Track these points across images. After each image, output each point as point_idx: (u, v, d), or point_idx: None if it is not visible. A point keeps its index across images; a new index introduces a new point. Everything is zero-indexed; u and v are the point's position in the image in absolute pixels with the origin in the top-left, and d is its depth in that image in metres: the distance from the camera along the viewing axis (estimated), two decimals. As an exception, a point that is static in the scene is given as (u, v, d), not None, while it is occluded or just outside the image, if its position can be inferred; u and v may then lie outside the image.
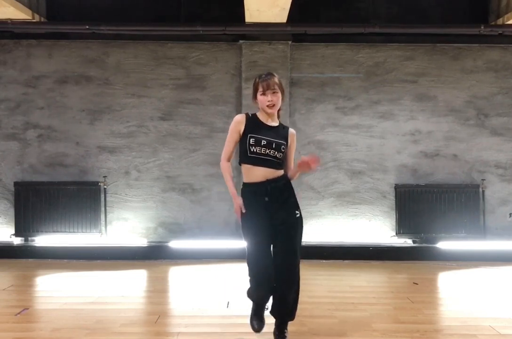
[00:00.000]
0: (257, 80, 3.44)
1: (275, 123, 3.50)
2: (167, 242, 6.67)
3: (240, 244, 6.32)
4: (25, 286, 5.27)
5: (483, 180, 6.79)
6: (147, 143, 6.81)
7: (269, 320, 3.60)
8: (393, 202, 6.76)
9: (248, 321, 3.51)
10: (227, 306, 4.42)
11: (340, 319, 4.09)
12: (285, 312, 3.51)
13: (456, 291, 5.04)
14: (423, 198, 6.64)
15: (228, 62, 6.83)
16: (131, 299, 4.72)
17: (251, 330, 3.47)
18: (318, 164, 3.38)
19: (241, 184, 3.52)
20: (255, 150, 3.37)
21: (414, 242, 6.72)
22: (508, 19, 6.28)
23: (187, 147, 6.82)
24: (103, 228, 6.71)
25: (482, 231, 6.67)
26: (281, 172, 3.46)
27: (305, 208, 6.49)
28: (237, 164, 3.59)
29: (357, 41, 6.79)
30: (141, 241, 6.75)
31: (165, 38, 6.73)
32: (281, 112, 3.56)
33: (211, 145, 6.80)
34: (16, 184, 6.64)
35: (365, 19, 6.70)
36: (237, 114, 6.70)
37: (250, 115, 3.50)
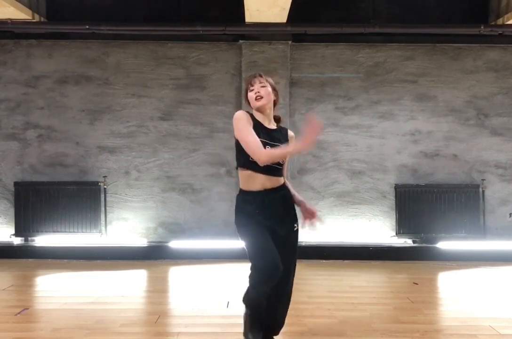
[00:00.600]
0: (246, 81, 3.28)
1: (273, 126, 3.29)
2: (167, 242, 6.67)
3: (240, 244, 6.34)
4: (25, 286, 5.27)
5: (483, 180, 6.79)
6: (147, 143, 6.82)
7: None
8: (393, 202, 6.76)
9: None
10: (227, 306, 4.42)
11: (340, 319, 4.09)
12: (272, 327, 3.35)
13: (456, 291, 5.04)
14: (423, 198, 6.64)
15: (228, 62, 6.83)
16: (131, 299, 4.72)
17: (251, 330, 3.45)
18: (318, 221, 3.25)
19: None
20: None
21: (414, 242, 6.72)
22: (508, 19, 6.27)
23: (187, 147, 6.82)
24: (103, 228, 6.71)
25: (482, 231, 6.67)
26: (281, 181, 3.24)
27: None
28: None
29: (357, 41, 6.79)
30: (141, 241, 6.75)
31: (165, 38, 6.73)
32: (279, 112, 3.41)
33: (211, 145, 6.80)
34: (16, 184, 6.64)
35: (365, 19, 6.70)
36: (237, 114, 6.79)
37: (252, 116, 3.22)
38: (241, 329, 3.33)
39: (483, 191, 6.76)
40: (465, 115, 6.86)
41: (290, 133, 3.40)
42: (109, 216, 6.77)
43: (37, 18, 6.41)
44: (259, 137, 3.10)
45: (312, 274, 5.63)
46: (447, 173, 6.84)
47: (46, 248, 6.49)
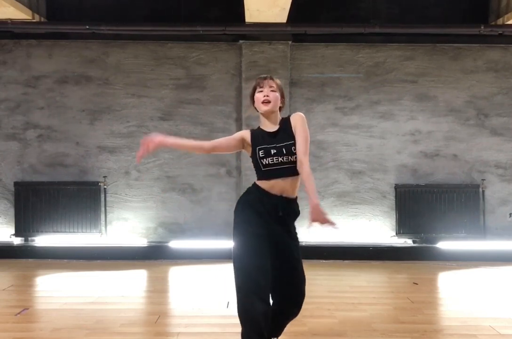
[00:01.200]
0: (256, 81, 3.22)
1: (276, 126, 3.17)
2: (167, 242, 6.67)
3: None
4: (25, 286, 5.27)
5: (483, 180, 6.79)
6: (147, 143, 6.80)
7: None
8: (393, 202, 6.76)
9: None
10: (227, 306, 4.42)
11: (340, 319, 4.09)
12: (275, 328, 3.19)
13: (456, 291, 5.04)
14: (423, 198, 6.64)
15: (228, 62, 6.83)
16: (131, 299, 4.72)
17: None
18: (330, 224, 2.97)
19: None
20: (267, 162, 3.06)
21: (414, 242, 6.72)
22: (508, 19, 6.28)
23: (187, 147, 6.81)
24: (103, 228, 6.71)
25: (482, 231, 6.67)
26: (296, 187, 3.16)
27: (305, 208, 6.46)
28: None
29: (357, 41, 6.79)
30: (141, 241, 6.75)
31: (165, 38, 6.73)
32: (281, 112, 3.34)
33: (211, 145, 6.78)
34: (16, 184, 6.64)
35: (365, 19, 6.69)
36: (237, 114, 6.80)
37: (254, 129, 3.22)
38: (241, 329, 3.31)
39: (483, 191, 6.76)
40: (465, 115, 6.86)
41: (293, 116, 3.22)
42: (109, 216, 6.77)
43: (37, 18, 6.41)
44: (265, 144, 3.09)
45: (312, 274, 5.60)
46: (447, 173, 6.84)
47: (46, 248, 6.49)
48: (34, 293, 5.08)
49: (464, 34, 6.65)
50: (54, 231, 6.61)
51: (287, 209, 3.13)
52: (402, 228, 6.67)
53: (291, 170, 3.10)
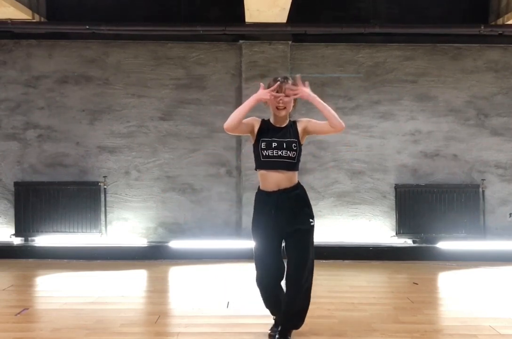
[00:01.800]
0: (271, 83, 3.43)
1: (284, 124, 3.49)
2: (167, 242, 6.67)
3: (240, 244, 6.34)
4: (25, 286, 5.27)
5: (483, 180, 6.79)
6: (147, 143, 6.81)
7: (269, 320, 3.60)
8: (393, 202, 6.76)
9: (248, 321, 3.50)
10: (227, 306, 4.42)
11: (340, 319, 4.09)
12: (289, 319, 3.48)
13: (456, 291, 5.04)
14: (423, 198, 6.64)
15: (228, 62, 6.83)
16: (131, 299, 4.72)
17: (251, 330, 3.46)
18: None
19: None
20: (267, 154, 3.36)
21: (414, 242, 6.72)
22: (508, 19, 6.27)
23: (187, 147, 6.82)
24: (103, 228, 6.71)
25: (482, 231, 6.67)
26: (295, 180, 3.42)
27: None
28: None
29: (357, 41, 6.79)
30: (141, 241, 6.75)
31: (165, 38, 6.73)
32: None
33: (211, 145, 6.80)
34: (16, 184, 6.63)
35: (365, 19, 6.69)
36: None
37: (264, 120, 3.53)
38: (241, 329, 3.33)
39: (483, 191, 6.76)
40: (465, 115, 6.86)
41: (301, 120, 3.63)
42: (109, 216, 6.77)
43: (37, 18, 6.41)
44: (268, 137, 3.39)
45: (312, 274, 5.61)
46: (447, 173, 6.84)
47: (46, 248, 6.48)
48: (34, 293, 5.08)
49: (464, 34, 6.65)
50: (54, 231, 6.61)
51: (287, 201, 3.39)
52: (402, 228, 6.67)
53: (287, 165, 3.37)
